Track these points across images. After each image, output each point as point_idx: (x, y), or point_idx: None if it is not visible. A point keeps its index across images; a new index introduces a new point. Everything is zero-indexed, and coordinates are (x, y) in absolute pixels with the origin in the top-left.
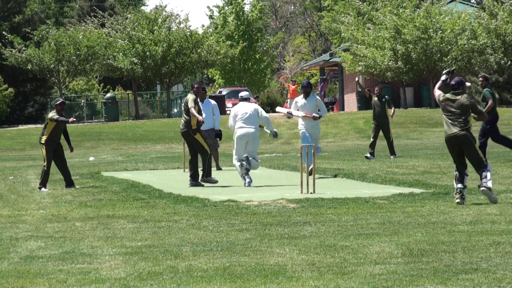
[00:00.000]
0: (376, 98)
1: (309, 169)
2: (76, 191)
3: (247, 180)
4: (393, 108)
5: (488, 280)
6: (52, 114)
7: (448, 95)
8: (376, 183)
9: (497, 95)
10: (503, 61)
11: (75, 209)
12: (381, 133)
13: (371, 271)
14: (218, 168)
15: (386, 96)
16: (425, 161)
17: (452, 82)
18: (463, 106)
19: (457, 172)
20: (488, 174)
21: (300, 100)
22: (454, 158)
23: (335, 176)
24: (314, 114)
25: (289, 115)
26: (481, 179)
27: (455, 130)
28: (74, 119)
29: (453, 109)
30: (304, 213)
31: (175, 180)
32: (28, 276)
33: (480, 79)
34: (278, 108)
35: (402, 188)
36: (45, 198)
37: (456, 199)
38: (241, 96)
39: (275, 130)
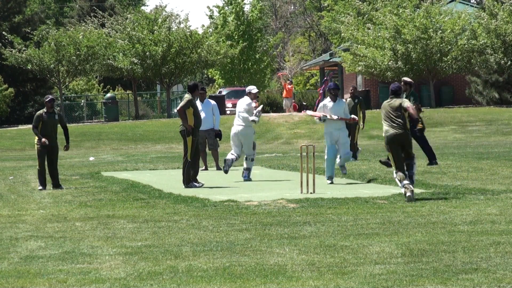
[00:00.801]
0: (349, 99)
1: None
2: (76, 191)
3: (226, 169)
4: (364, 113)
5: (488, 280)
6: (39, 113)
7: (386, 102)
8: (376, 183)
9: (497, 95)
10: (503, 61)
11: (75, 209)
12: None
13: (371, 271)
14: (218, 168)
15: (359, 97)
16: (425, 161)
17: (392, 88)
18: (397, 107)
19: (401, 173)
20: (413, 175)
21: (329, 103)
22: (397, 157)
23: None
24: (352, 116)
25: (324, 118)
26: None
27: (396, 130)
28: (46, 142)
29: (392, 112)
30: (304, 213)
31: (175, 180)
32: (28, 276)
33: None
34: (309, 112)
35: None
36: (45, 198)
37: (407, 193)
38: (247, 91)
39: (252, 118)
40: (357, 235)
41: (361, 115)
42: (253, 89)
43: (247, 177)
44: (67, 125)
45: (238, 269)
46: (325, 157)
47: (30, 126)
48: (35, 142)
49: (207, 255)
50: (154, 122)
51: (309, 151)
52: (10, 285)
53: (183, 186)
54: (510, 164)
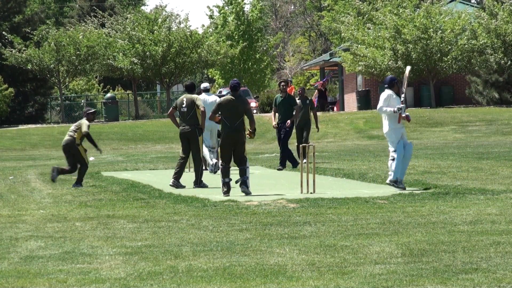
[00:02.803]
0: (299, 101)
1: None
2: (76, 191)
3: (213, 163)
4: (316, 115)
5: (488, 280)
6: None
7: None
8: (376, 183)
9: (497, 95)
10: (503, 61)
11: (75, 209)
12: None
13: (371, 271)
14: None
15: (310, 99)
16: (425, 161)
17: (231, 84)
18: (239, 108)
19: (223, 166)
20: (247, 171)
21: (394, 98)
22: (226, 151)
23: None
24: (407, 114)
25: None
26: (240, 176)
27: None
28: None
29: (231, 110)
30: (304, 213)
31: None
32: (28, 276)
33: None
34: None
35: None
36: (45, 198)
37: (223, 190)
38: (204, 87)
39: None
40: (357, 235)
41: (312, 117)
42: (208, 85)
43: (215, 170)
44: (70, 124)
45: (238, 269)
46: (394, 156)
47: (30, 126)
48: None
49: (207, 255)
50: (154, 122)
51: (309, 151)
52: (10, 285)
53: (194, 186)
54: (510, 164)
